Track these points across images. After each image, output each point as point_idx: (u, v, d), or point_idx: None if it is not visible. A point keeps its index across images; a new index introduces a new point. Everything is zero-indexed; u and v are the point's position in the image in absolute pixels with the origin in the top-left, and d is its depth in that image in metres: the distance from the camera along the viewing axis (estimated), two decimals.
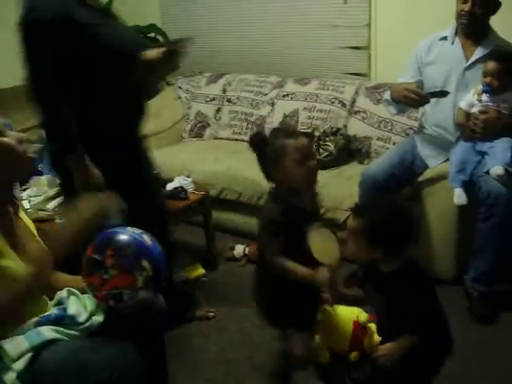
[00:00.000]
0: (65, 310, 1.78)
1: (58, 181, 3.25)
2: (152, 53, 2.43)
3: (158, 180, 2.90)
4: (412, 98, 2.83)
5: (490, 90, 2.71)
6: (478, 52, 2.89)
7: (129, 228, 1.78)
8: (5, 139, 1.66)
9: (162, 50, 2.43)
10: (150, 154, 2.71)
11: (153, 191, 2.71)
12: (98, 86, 2.31)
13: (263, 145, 2.02)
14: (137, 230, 1.77)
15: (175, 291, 2.78)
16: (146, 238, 1.76)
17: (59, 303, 1.84)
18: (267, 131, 3.90)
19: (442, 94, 2.84)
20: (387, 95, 3.13)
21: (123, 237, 1.73)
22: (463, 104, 2.80)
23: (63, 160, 2.30)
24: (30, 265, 1.69)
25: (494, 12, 2.87)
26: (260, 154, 2.04)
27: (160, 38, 4.89)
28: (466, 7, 2.80)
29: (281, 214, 1.98)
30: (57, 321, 1.73)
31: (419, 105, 2.90)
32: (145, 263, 1.70)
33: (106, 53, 2.27)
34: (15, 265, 1.65)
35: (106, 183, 2.32)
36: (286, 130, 2.13)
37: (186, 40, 2.45)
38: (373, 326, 2.49)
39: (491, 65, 2.72)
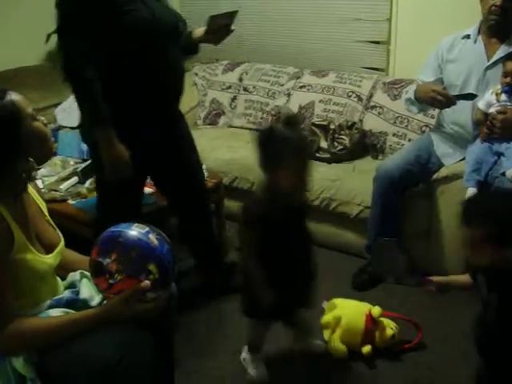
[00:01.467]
0: (77, 293, 1.79)
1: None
2: (200, 30, 2.55)
3: (198, 165, 2.87)
4: (439, 100, 2.82)
5: (510, 90, 2.69)
6: (501, 51, 2.85)
7: (135, 225, 1.74)
8: (39, 124, 1.68)
9: (206, 28, 2.52)
10: (189, 136, 2.75)
11: (191, 179, 2.77)
12: (131, 62, 2.32)
13: (268, 140, 2.06)
14: (143, 229, 1.73)
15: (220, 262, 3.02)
16: (152, 238, 1.71)
17: (72, 286, 1.85)
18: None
19: (470, 96, 2.82)
20: (410, 94, 3.11)
21: (128, 238, 1.69)
22: (481, 104, 2.78)
23: (91, 133, 2.34)
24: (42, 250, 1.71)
25: None
26: (263, 147, 2.07)
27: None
28: (498, 2, 2.76)
29: (268, 210, 2.05)
30: (69, 304, 1.74)
31: (445, 106, 2.88)
32: (151, 266, 1.67)
33: (140, 29, 2.28)
34: (35, 258, 1.66)
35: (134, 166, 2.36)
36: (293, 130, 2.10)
37: (231, 14, 2.50)
38: (385, 320, 2.50)
39: (511, 65, 2.70)
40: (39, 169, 3.22)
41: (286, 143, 2.03)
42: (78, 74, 2.25)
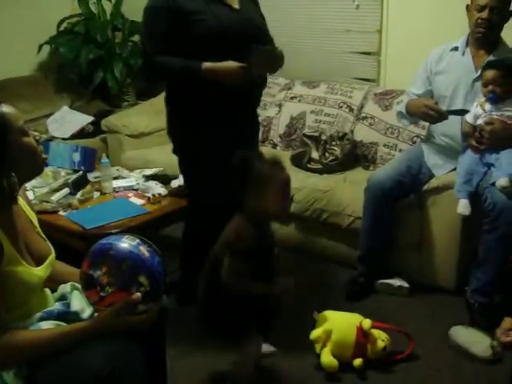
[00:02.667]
0: (68, 305, 1.77)
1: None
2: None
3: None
4: (431, 115, 2.84)
5: (494, 97, 2.71)
6: None
7: (125, 238, 1.73)
8: (30, 140, 1.67)
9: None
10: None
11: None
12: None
13: (247, 167, 2.05)
14: (134, 241, 1.72)
15: None
16: (143, 250, 1.71)
17: (62, 298, 1.83)
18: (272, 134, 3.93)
19: (461, 112, 2.84)
20: (401, 107, 3.13)
21: (119, 250, 1.68)
22: (468, 117, 2.80)
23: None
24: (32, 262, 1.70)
25: (507, 20, 2.88)
26: (241, 175, 2.06)
27: None
28: (484, 15, 2.79)
29: (256, 240, 2.07)
30: (60, 317, 1.73)
31: (437, 121, 2.90)
32: (142, 279, 1.66)
33: (207, 38, 2.42)
34: (25, 270, 1.65)
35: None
36: (273, 159, 2.13)
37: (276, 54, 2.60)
38: (376, 332, 2.50)
39: (490, 73, 2.72)
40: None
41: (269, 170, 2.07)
42: (155, 62, 2.52)
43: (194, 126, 2.61)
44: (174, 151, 2.78)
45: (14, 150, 1.62)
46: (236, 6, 2.51)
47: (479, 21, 2.83)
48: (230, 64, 2.44)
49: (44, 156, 1.74)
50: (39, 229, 1.85)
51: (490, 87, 2.72)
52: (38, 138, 1.72)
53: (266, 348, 2.47)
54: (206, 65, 2.44)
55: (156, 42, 2.50)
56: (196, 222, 2.84)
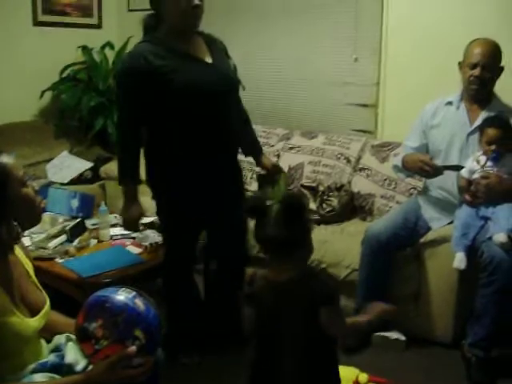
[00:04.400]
0: (62, 357, 1.76)
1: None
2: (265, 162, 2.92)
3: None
4: (426, 170, 2.87)
5: (498, 156, 2.75)
6: (483, 117, 2.92)
7: (121, 290, 1.73)
8: (29, 191, 1.69)
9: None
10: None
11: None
12: (178, 122, 2.52)
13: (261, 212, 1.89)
14: (130, 293, 1.72)
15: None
16: (139, 303, 1.70)
17: (57, 349, 1.82)
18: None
19: (457, 168, 2.87)
20: (397, 161, 3.17)
21: (114, 303, 1.67)
22: (464, 171, 2.83)
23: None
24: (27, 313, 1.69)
25: (498, 75, 2.93)
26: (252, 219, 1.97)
27: None
28: (476, 72, 2.85)
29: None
30: (53, 368, 1.71)
31: (432, 177, 2.94)
32: (137, 332, 1.65)
33: (181, 94, 2.45)
34: (19, 321, 1.64)
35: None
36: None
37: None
38: None
39: (494, 132, 2.76)
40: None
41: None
42: (119, 137, 2.70)
43: (172, 175, 2.62)
44: (154, 198, 2.78)
45: (13, 200, 1.63)
46: (208, 60, 2.54)
47: (471, 78, 2.89)
48: None
49: (42, 205, 1.76)
50: (34, 278, 1.84)
51: (494, 147, 2.76)
52: (36, 188, 1.73)
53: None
54: None
55: (131, 105, 2.53)
56: (169, 272, 2.89)
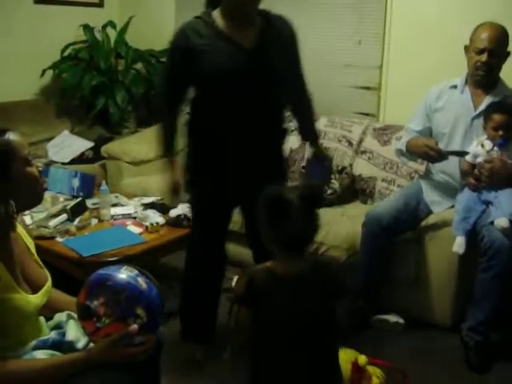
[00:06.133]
0: (63, 334, 1.76)
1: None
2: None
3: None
4: (431, 155, 2.87)
5: (504, 142, 2.75)
6: (487, 102, 2.91)
7: (124, 268, 1.73)
8: (33, 170, 1.69)
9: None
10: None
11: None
12: (209, 104, 2.54)
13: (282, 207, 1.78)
14: (132, 272, 1.72)
15: None
16: (141, 281, 1.70)
17: (58, 327, 1.82)
18: None
19: (461, 153, 2.86)
20: (400, 145, 3.16)
21: (116, 281, 1.68)
22: (468, 156, 2.83)
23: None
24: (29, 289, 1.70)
25: (505, 60, 2.91)
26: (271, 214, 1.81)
27: None
28: (483, 58, 2.83)
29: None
30: (55, 346, 1.72)
31: (437, 161, 2.92)
32: (139, 310, 1.65)
33: (208, 75, 2.45)
34: (20, 298, 1.65)
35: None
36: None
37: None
38: (371, 368, 2.48)
39: (501, 117, 2.75)
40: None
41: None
42: (158, 113, 2.73)
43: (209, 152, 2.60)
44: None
45: (17, 178, 1.63)
46: (248, 45, 2.47)
47: (478, 64, 2.86)
48: None
49: (45, 186, 1.76)
50: (36, 256, 1.85)
51: (501, 132, 2.75)
52: (40, 168, 1.73)
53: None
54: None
55: (167, 81, 2.59)
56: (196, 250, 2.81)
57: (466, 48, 2.94)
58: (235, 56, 2.45)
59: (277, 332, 1.81)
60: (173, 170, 2.69)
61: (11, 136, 1.64)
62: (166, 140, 2.66)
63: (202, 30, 2.44)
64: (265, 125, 2.57)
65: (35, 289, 1.74)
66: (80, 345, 1.75)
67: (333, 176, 3.66)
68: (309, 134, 2.88)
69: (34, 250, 1.85)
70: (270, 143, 2.67)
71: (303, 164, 3.25)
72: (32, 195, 1.73)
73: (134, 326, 1.64)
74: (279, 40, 2.57)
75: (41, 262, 1.85)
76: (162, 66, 2.75)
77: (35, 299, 1.71)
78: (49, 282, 1.82)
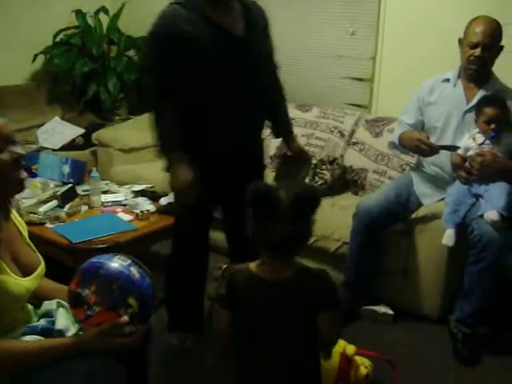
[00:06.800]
0: (53, 323, 1.76)
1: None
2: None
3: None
4: (423, 149, 2.87)
5: (496, 135, 2.75)
6: (479, 96, 2.91)
7: (117, 257, 1.72)
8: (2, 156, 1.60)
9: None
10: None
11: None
12: (200, 96, 2.43)
13: (269, 205, 1.67)
14: (125, 261, 1.71)
15: None
16: (134, 271, 1.70)
17: (47, 315, 1.82)
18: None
19: (453, 148, 2.87)
20: (393, 138, 3.16)
21: (109, 270, 1.67)
22: (459, 150, 2.84)
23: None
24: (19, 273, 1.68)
25: (498, 55, 2.91)
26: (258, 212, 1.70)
27: None
28: (477, 52, 2.83)
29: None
30: (44, 333, 1.72)
31: (428, 155, 2.93)
32: (131, 300, 1.65)
33: (201, 63, 2.36)
34: (10, 280, 1.63)
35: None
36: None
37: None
38: (359, 359, 2.49)
39: (493, 111, 2.76)
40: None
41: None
42: (153, 107, 2.49)
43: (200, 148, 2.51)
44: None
45: None
46: (237, 31, 2.44)
47: (471, 58, 2.86)
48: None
49: (22, 176, 1.65)
50: (29, 240, 1.84)
51: (493, 126, 2.75)
52: (17, 155, 1.63)
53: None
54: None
55: (159, 69, 2.42)
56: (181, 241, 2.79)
57: (460, 41, 2.94)
58: (227, 44, 2.40)
59: (256, 337, 1.75)
60: (182, 163, 2.42)
61: None
62: (169, 132, 2.44)
63: (189, 17, 2.36)
64: (253, 117, 2.55)
65: (27, 272, 1.73)
66: (70, 333, 1.74)
67: (324, 167, 3.67)
68: (284, 129, 2.83)
69: (26, 234, 1.84)
70: (256, 136, 2.67)
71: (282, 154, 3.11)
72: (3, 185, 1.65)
73: (125, 318, 1.63)
74: (259, 27, 2.54)
75: (34, 247, 1.84)
76: (147, 62, 2.54)
77: (26, 282, 1.70)
78: (41, 266, 1.81)
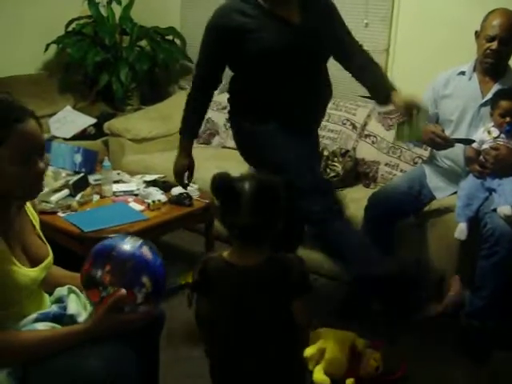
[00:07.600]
0: (65, 308, 1.76)
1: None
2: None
3: None
4: (438, 142, 2.85)
5: (511, 129, 2.73)
6: (495, 89, 2.89)
7: (128, 238, 1.74)
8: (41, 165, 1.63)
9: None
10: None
11: None
12: (259, 86, 2.53)
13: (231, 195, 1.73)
14: (137, 242, 1.72)
15: None
16: (146, 251, 1.71)
17: (59, 300, 1.82)
18: None
19: (467, 141, 2.85)
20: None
21: (122, 250, 1.68)
22: (474, 144, 2.82)
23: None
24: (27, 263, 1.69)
25: None
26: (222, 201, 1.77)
27: (178, 41, 4.91)
28: (494, 45, 2.80)
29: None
30: (56, 319, 1.72)
31: (443, 149, 2.92)
32: (144, 279, 1.66)
33: (258, 55, 2.45)
34: (17, 270, 1.64)
35: None
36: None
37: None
38: (369, 351, 2.49)
39: (509, 104, 2.73)
40: None
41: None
42: (188, 95, 2.72)
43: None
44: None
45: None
46: (295, 19, 2.48)
47: (488, 51, 2.84)
48: None
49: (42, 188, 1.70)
50: (39, 231, 1.84)
51: (508, 119, 2.73)
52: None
53: None
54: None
55: (206, 62, 2.59)
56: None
57: (477, 34, 2.92)
58: (285, 33, 2.46)
59: (226, 324, 1.79)
60: (185, 151, 2.72)
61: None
62: (192, 120, 2.71)
63: (246, 10, 2.44)
64: (314, 102, 2.65)
65: (35, 262, 1.73)
66: (81, 319, 1.75)
67: (336, 159, 3.66)
68: (385, 87, 2.68)
69: (37, 225, 1.84)
70: (317, 121, 2.82)
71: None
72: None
73: (123, 291, 1.63)
74: (321, 13, 2.57)
75: (43, 238, 1.85)
76: (200, 51, 2.61)
77: (32, 272, 1.70)
78: (50, 257, 1.81)
